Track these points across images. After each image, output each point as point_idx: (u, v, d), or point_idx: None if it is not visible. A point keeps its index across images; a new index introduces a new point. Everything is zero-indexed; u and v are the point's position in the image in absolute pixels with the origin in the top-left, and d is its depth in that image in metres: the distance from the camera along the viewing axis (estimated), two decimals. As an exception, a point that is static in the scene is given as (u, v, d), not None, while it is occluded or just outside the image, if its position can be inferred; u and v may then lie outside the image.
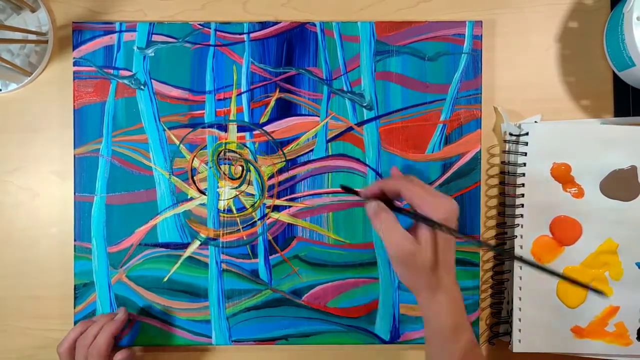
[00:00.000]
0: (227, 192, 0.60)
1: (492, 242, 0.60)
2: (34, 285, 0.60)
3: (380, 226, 0.46)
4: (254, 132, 0.60)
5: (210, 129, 0.60)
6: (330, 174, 0.59)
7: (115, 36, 0.59)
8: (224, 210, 0.60)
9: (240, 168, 0.60)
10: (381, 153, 0.59)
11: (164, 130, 0.59)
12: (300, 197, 0.60)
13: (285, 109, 0.60)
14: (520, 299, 0.58)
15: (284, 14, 0.60)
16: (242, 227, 0.60)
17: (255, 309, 0.59)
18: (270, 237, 0.59)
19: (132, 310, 0.59)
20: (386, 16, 0.60)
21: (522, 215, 0.58)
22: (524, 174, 0.58)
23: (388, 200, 0.48)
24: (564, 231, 0.58)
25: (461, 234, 0.44)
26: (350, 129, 0.59)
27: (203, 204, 0.60)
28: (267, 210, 0.60)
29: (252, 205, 0.60)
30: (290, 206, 0.60)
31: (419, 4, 0.60)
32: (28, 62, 0.59)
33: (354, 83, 0.59)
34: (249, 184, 0.60)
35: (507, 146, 0.59)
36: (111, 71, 0.59)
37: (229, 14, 0.60)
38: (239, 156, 0.60)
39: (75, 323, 0.59)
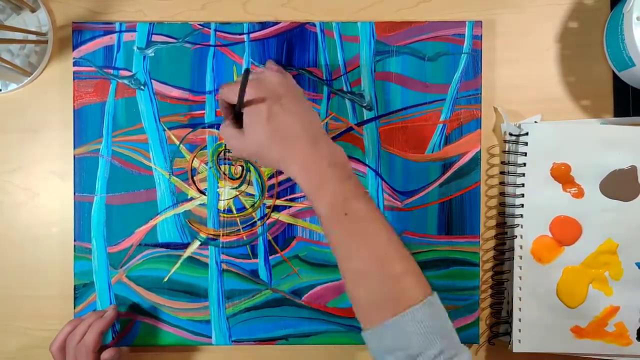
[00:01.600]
0: (227, 192, 0.60)
1: (492, 242, 0.60)
2: (34, 285, 0.60)
3: (221, 135, 0.50)
4: (254, 132, 0.60)
5: (210, 129, 0.60)
6: (330, 174, 0.59)
7: (115, 36, 0.59)
8: (224, 210, 0.60)
9: (240, 168, 0.60)
10: (381, 153, 0.59)
11: (164, 130, 0.59)
12: (300, 197, 0.60)
13: (285, 109, 0.59)
14: (520, 299, 0.58)
15: (284, 14, 0.60)
16: (242, 227, 0.60)
17: (255, 309, 0.59)
18: (270, 237, 0.59)
19: (132, 310, 0.59)
20: (386, 16, 0.60)
21: (522, 215, 0.58)
22: (524, 174, 0.58)
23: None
24: (564, 231, 0.58)
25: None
26: (350, 129, 0.59)
27: (203, 204, 0.60)
28: (267, 211, 0.60)
29: (252, 206, 0.60)
30: (290, 206, 0.60)
31: (419, 4, 0.60)
32: (28, 62, 0.59)
33: (354, 83, 0.59)
34: (249, 184, 0.60)
35: (507, 146, 0.59)
36: (111, 71, 0.59)
37: (229, 14, 0.60)
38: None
39: (75, 323, 0.59)
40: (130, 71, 0.59)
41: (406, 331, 0.42)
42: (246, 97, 0.46)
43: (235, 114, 0.49)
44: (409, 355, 0.41)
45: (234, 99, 0.46)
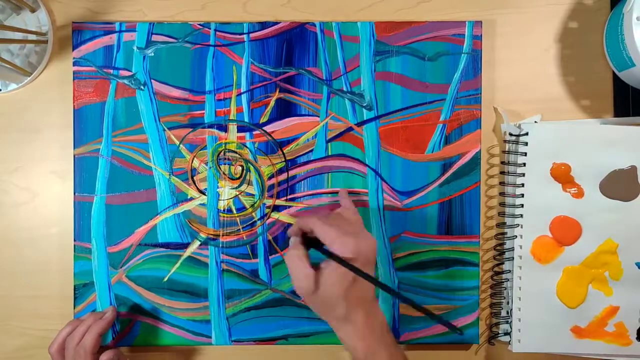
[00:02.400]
0: (227, 192, 0.60)
1: (492, 242, 0.60)
2: (34, 285, 0.60)
3: (287, 263, 0.48)
4: (254, 132, 0.60)
5: (210, 129, 0.60)
6: (330, 174, 0.59)
7: (115, 36, 0.59)
8: (224, 210, 0.60)
9: (240, 168, 0.60)
10: (381, 153, 0.59)
11: (164, 130, 0.59)
12: (300, 197, 0.60)
13: (285, 109, 0.59)
14: (520, 299, 0.58)
15: (284, 14, 0.60)
16: (242, 227, 0.60)
17: (255, 309, 0.59)
18: (270, 237, 0.59)
19: (132, 310, 0.59)
20: (386, 16, 0.60)
21: (522, 215, 0.58)
22: (523, 174, 0.58)
23: (311, 237, 0.49)
24: (564, 231, 0.58)
25: (370, 277, 0.45)
26: (350, 129, 0.59)
27: (203, 204, 0.60)
28: (267, 210, 0.60)
29: (252, 205, 0.60)
30: (290, 206, 0.60)
31: (419, 4, 0.60)
32: (28, 62, 0.59)
33: (354, 83, 0.59)
34: (248, 184, 0.60)
35: (507, 146, 0.59)
36: (111, 71, 0.59)
37: (229, 14, 0.60)
38: (238, 156, 0.60)
39: (75, 323, 0.59)
40: (130, 71, 0.59)
41: None
42: (343, 253, 0.46)
43: (308, 243, 0.49)
44: None
45: (324, 238, 0.47)
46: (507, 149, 0.59)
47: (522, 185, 0.58)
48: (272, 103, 0.59)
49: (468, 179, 0.59)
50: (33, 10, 0.59)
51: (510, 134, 0.59)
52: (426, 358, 0.60)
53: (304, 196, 0.59)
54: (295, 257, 0.47)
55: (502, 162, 0.60)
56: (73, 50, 0.59)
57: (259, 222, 0.60)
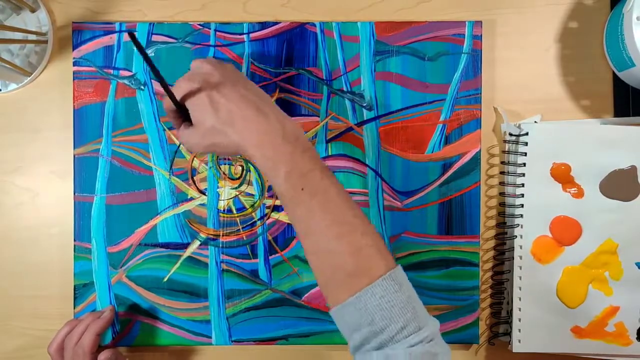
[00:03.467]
0: (227, 192, 0.60)
1: (492, 242, 0.60)
2: (34, 285, 0.60)
3: (181, 142, 0.49)
4: (254, 132, 0.59)
5: (210, 129, 0.59)
6: (330, 174, 0.59)
7: (115, 36, 0.59)
8: (223, 210, 0.60)
9: (240, 168, 0.60)
10: (381, 153, 0.59)
11: (164, 130, 0.59)
12: (300, 197, 0.59)
13: (285, 109, 0.59)
14: (520, 299, 0.58)
15: (284, 14, 0.60)
16: (242, 227, 0.60)
17: (255, 309, 0.59)
18: (270, 237, 0.59)
19: (131, 310, 0.59)
20: (386, 16, 0.60)
21: (522, 215, 0.58)
22: (523, 174, 0.58)
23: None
24: (564, 231, 0.58)
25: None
26: (350, 129, 0.59)
27: (203, 204, 0.60)
28: (267, 211, 0.60)
29: (252, 206, 0.60)
30: (290, 206, 0.59)
31: (419, 4, 0.60)
32: (28, 62, 0.59)
33: (354, 83, 0.59)
34: (248, 184, 0.60)
35: (507, 146, 0.59)
36: (111, 71, 0.59)
37: (229, 14, 0.60)
38: (238, 156, 0.60)
39: (75, 323, 0.59)
40: (130, 71, 0.59)
41: (368, 307, 0.41)
42: (181, 92, 0.45)
43: (184, 117, 0.48)
44: (372, 331, 0.41)
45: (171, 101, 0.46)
46: (507, 149, 0.59)
47: (522, 185, 0.58)
48: (272, 103, 0.59)
49: (468, 179, 0.59)
50: (33, 10, 0.59)
51: (510, 134, 0.59)
52: (426, 358, 0.60)
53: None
54: (178, 132, 0.48)
55: (502, 162, 0.60)
56: (73, 50, 0.59)
57: (259, 222, 0.60)
